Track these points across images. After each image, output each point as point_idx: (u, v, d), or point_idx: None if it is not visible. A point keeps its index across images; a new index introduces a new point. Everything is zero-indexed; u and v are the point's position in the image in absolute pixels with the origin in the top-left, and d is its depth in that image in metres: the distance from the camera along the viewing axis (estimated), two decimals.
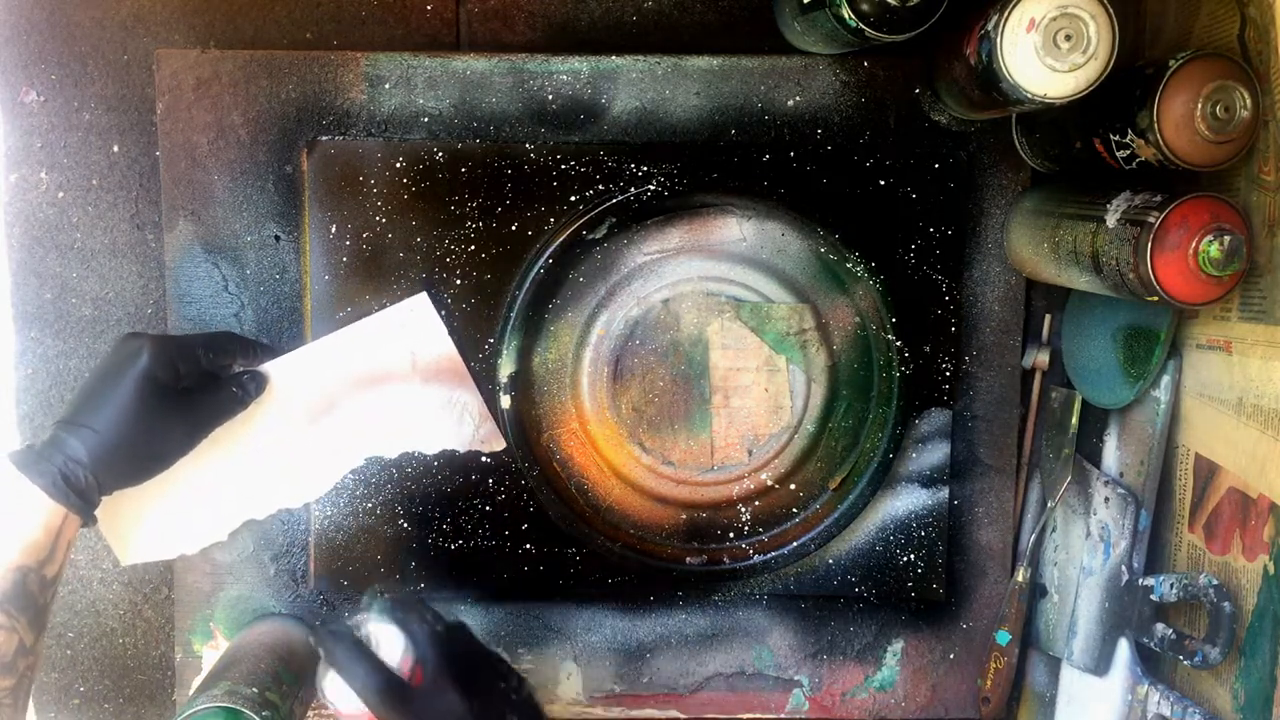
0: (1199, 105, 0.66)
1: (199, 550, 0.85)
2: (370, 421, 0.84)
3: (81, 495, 0.70)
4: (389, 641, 0.69)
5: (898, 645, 0.89)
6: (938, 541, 0.87)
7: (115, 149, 0.85)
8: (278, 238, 0.85)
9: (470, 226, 0.83)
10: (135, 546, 0.84)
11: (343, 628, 0.70)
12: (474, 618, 0.87)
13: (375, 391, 0.84)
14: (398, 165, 0.82)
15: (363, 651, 0.68)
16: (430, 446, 0.85)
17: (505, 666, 0.74)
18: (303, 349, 0.83)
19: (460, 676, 0.70)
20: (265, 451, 0.83)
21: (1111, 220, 0.70)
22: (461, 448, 0.85)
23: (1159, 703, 0.76)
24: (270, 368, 0.82)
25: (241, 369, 0.81)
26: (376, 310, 0.83)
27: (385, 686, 0.67)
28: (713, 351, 0.85)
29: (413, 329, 0.83)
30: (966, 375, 0.87)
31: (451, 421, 0.84)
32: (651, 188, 0.82)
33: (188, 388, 0.75)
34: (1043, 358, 0.86)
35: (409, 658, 0.69)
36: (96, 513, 0.72)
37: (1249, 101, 0.66)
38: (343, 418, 0.84)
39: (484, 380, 0.84)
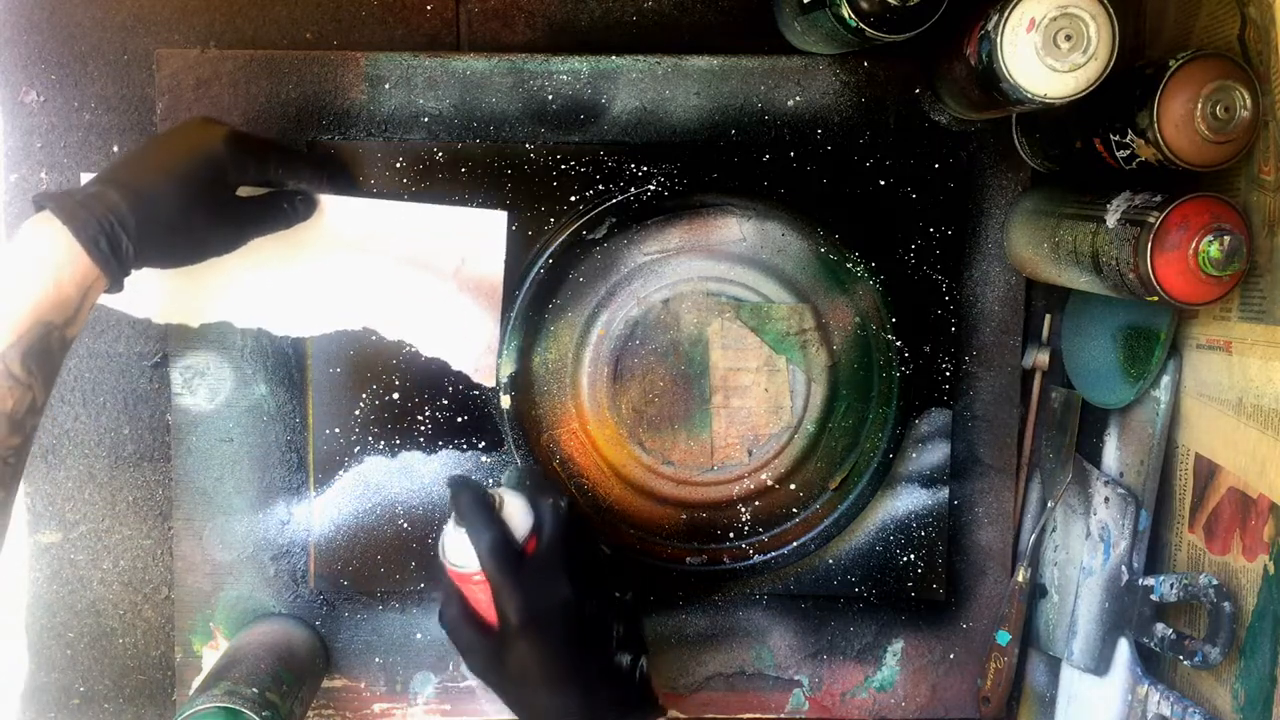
0: (1199, 105, 0.66)
1: (164, 323, 0.82)
2: (386, 296, 0.82)
3: (119, 260, 0.66)
4: (516, 511, 0.71)
5: (898, 645, 0.89)
6: (938, 541, 0.87)
7: (115, 149, 0.85)
8: None
9: None
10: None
11: (475, 483, 0.71)
12: None
13: (407, 272, 0.81)
14: (398, 165, 0.82)
15: (487, 507, 0.69)
16: (427, 348, 0.83)
17: (614, 570, 0.74)
18: (367, 200, 0.80)
19: (572, 563, 0.70)
20: (276, 271, 0.81)
21: (1111, 220, 0.70)
22: (455, 366, 0.83)
23: (1159, 703, 0.76)
24: (327, 200, 0.79)
25: (294, 188, 0.77)
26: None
27: (500, 546, 0.68)
28: (713, 351, 0.85)
29: (476, 238, 0.81)
30: (966, 375, 0.87)
31: (460, 337, 0.83)
32: (651, 188, 0.82)
33: (239, 188, 0.72)
34: (1043, 358, 0.86)
35: (528, 529, 0.70)
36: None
37: (1249, 101, 0.66)
38: (364, 278, 0.81)
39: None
